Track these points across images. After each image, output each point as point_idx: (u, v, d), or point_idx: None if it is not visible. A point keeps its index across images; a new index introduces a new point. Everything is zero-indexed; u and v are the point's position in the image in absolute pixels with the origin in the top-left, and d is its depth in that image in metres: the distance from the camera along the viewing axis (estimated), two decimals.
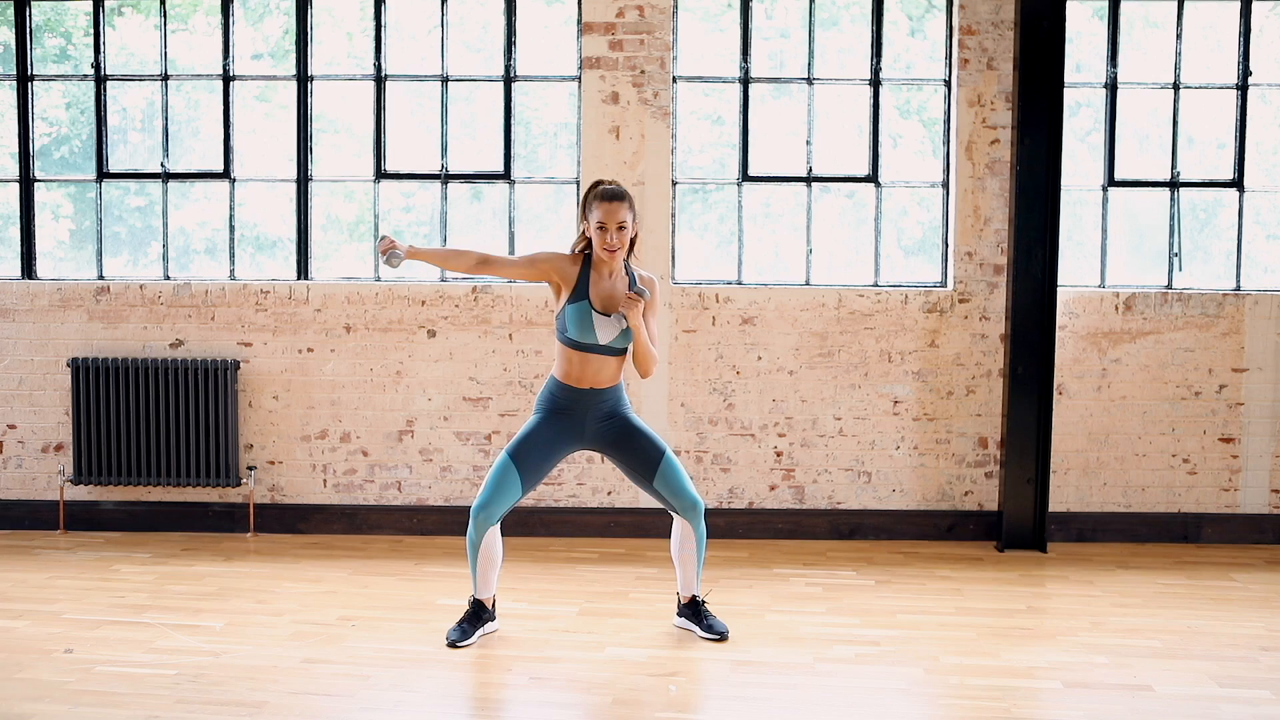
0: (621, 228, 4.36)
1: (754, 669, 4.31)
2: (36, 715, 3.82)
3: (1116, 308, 6.23)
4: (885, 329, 6.23)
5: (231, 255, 6.44)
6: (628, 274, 4.51)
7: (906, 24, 6.38)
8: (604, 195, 4.37)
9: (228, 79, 6.38)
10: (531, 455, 4.47)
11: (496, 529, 4.51)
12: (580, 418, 4.51)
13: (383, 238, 4.46)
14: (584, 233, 4.48)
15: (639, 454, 4.53)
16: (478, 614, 4.60)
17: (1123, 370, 6.25)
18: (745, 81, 6.29)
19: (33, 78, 6.45)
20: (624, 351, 4.51)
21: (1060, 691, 4.13)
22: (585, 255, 4.50)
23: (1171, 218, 6.34)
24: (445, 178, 6.37)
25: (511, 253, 6.34)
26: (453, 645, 4.51)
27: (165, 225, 6.44)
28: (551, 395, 4.55)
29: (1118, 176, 6.33)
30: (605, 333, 4.42)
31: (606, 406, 4.53)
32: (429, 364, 6.29)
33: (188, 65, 6.44)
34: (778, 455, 6.29)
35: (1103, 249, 6.34)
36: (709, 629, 4.64)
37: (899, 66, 6.36)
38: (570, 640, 4.62)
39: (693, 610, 4.71)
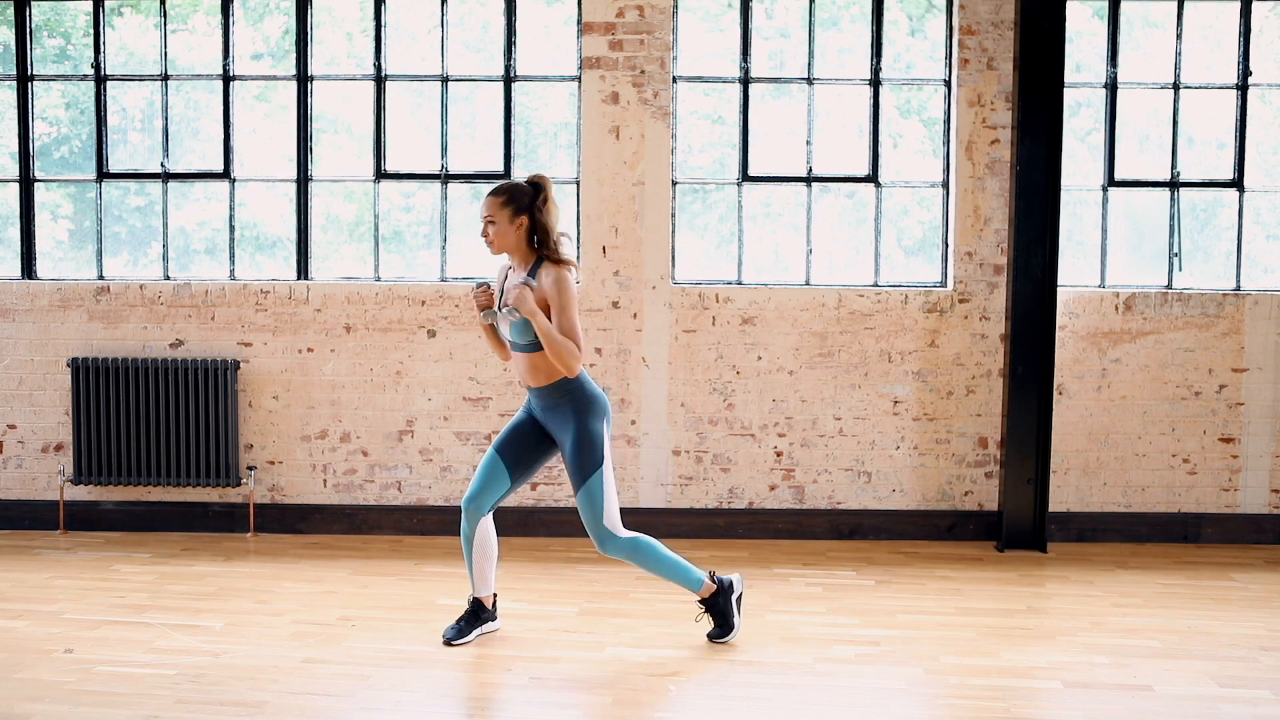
0: (491, 222, 4.41)
1: (754, 669, 4.31)
2: (36, 715, 3.82)
3: (1116, 308, 6.23)
4: (885, 329, 6.23)
5: (231, 255, 6.44)
6: (534, 269, 4.42)
7: (906, 24, 6.38)
8: (490, 189, 4.48)
9: (228, 79, 6.38)
10: (512, 447, 4.52)
11: (489, 522, 4.54)
12: (537, 413, 4.54)
13: (483, 287, 4.48)
14: None
15: (568, 467, 4.47)
16: (476, 613, 4.61)
17: (1123, 370, 6.25)
18: (745, 81, 6.29)
19: (33, 78, 6.45)
20: (530, 348, 4.39)
21: (1060, 691, 4.13)
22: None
23: (1171, 218, 6.34)
24: (445, 178, 6.37)
25: None
26: (448, 643, 4.53)
27: (165, 225, 6.44)
28: None
29: (1118, 176, 6.33)
30: (504, 328, 4.47)
31: (547, 404, 4.46)
32: (429, 364, 6.29)
33: (188, 65, 6.44)
34: (778, 455, 6.29)
35: (1103, 249, 6.34)
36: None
37: (899, 66, 6.36)
38: (570, 640, 4.62)
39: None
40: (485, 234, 4.44)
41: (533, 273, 4.40)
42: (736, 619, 4.62)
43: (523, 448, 4.53)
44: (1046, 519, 6.11)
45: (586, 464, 4.39)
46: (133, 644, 4.51)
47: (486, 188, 6.38)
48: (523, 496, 6.29)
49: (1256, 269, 6.43)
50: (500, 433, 4.61)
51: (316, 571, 5.61)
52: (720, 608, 4.61)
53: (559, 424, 4.46)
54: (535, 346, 4.38)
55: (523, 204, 4.41)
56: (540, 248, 4.43)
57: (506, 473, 4.50)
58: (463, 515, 4.52)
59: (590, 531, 4.44)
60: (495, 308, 4.48)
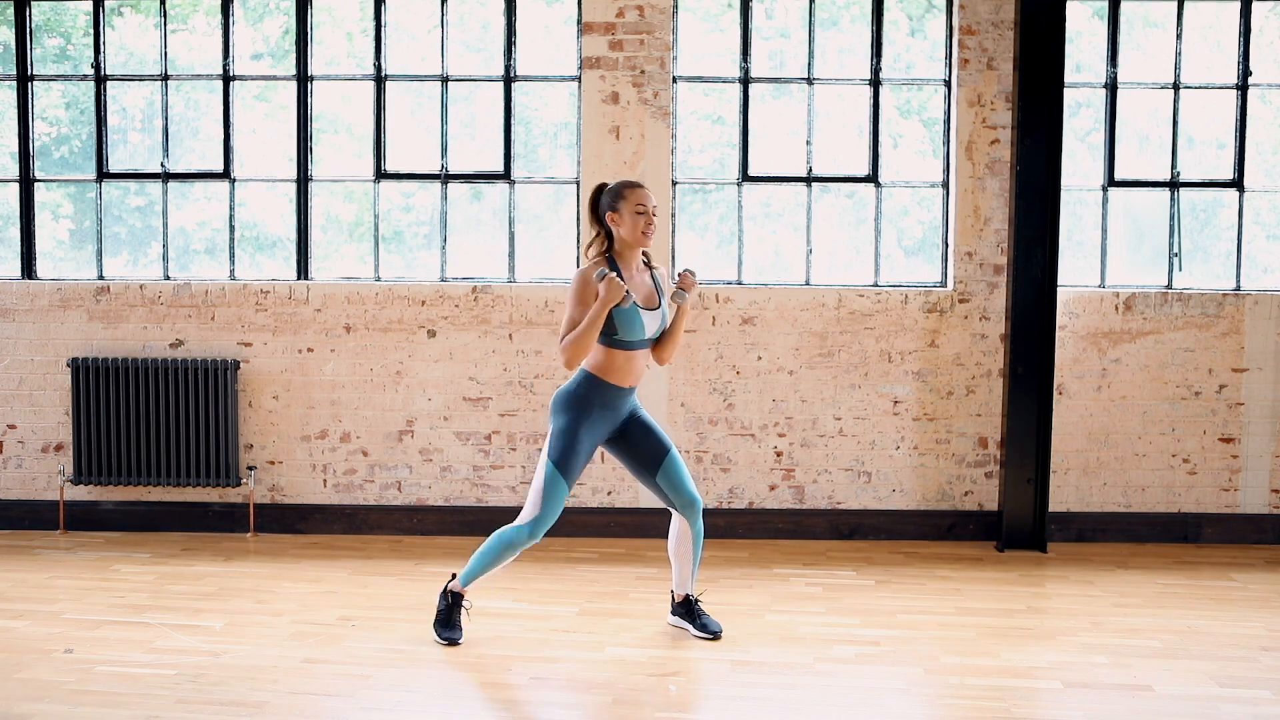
0: (656, 214, 4.45)
1: (754, 669, 4.31)
2: (36, 715, 3.82)
3: (1116, 308, 6.23)
4: (885, 329, 6.23)
5: (231, 255, 6.44)
6: (645, 262, 4.54)
7: (906, 24, 6.38)
8: (634, 183, 4.43)
9: (228, 79, 6.38)
10: (577, 462, 4.42)
11: None
12: (618, 415, 4.51)
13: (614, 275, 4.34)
14: (599, 232, 4.45)
15: (647, 447, 4.54)
16: (458, 604, 4.59)
17: (1123, 370, 6.25)
18: (745, 81, 6.29)
19: (33, 78, 6.45)
20: (650, 342, 4.52)
21: (1060, 691, 4.13)
22: (607, 258, 4.44)
23: (1171, 218, 6.34)
24: (445, 178, 6.37)
25: (512, 253, 6.35)
26: (453, 643, 4.52)
27: (165, 225, 6.44)
28: (595, 396, 4.42)
29: (1118, 176, 6.33)
30: (652, 326, 4.45)
31: (630, 400, 4.57)
32: (429, 364, 6.29)
33: (188, 65, 6.44)
34: (778, 455, 6.29)
35: (1103, 249, 6.34)
36: (703, 628, 4.65)
37: (899, 66, 6.36)
38: (570, 640, 4.62)
39: (686, 609, 4.72)
40: (653, 226, 4.42)
41: (650, 266, 4.53)
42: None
43: (583, 459, 4.47)
44: (1046, 519, 6.11)
45: (664, 444, 4.58)
46: (133, 644, 4.51)
47: (487, 187, 6.39)
48: (521, 496, 6.28)
49: (1256, 269, 6.43)
50: (557, 448, 4.38)
51: (316, 571, 5.61)
52: (694, 609, 4.73)
53: (634, 415, 4.57)
54: (654, 340, 4.52)
55: None
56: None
57: (567, 490, 4.44)
58: (523, 534, 4.39)
59: (688, 495, 4.58)
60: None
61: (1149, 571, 5.74)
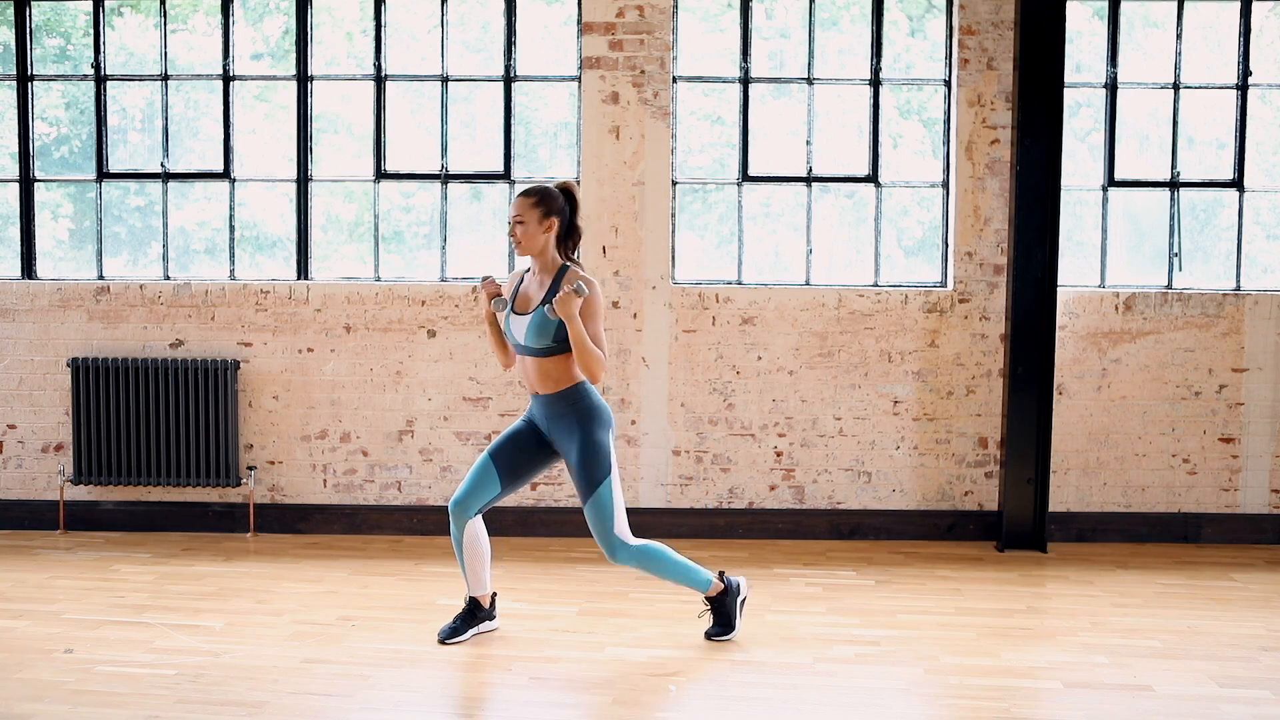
0: (520, 222, 4.37)
1: (754, 669, 4.31)
2: (36, 715, 3.82)
3: (1116, 308, 6.23)
4: (885, 329, 6.24)
5: (231, 255, 6.44)
6: (559, 276, 4.40)
7: (906, 24, 6.38)
8: (522, 190, 4.46)
9: (228, 79, 6.38)
10: (507, 454, 4.50)
11: (478, 524, 4.53)
12: (540, 422, 4.50)
13: (489, 279, 4.52)
14: None
15: (575, 477, 4.42)
16: (473, 612, 4.62)
17: (1123, 370, 6.25)
18: (745, 81, 6.29)
19: (33, 78, 6.45)
20: (544, 353, 4.34)
21: (1060, 691, 4.13)
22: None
23: (1171, 218, 6.34)
24: (445, 178, 6.37)
25: (512, 253, 6.35)
26: (443, 642, 4.53)
27: (165, 225, 6.44)
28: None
29: (1118, 176, 6.33)
30: (517, 331, 4.39)
31: (552, 413, 4.41)
32: (429, 364, 6.29)
33: (188, 65, 6.44)
34: (778, 455, 6.29)
35: (1103, 249, 6.34)
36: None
37: (899, 66, 6.36)
38: (570, 640, 4.62)
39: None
40: (513, 234, 4.41)
41: (557, 280, 4.38)
42: (738, 620, 4.64)
43: (518, 456, 4.50)
44: (1046, 519, 6.11)
45: (594, 474, 4.35)
46: (133, 644, 4.51)
47: (487, 187, 6.39)
48: (522, 496, 6.29)
49: (1256, 269, 6.43)
50: (496, 438, 4.58)
51: (316, 571, 5.61)
52: (725, 608, 4.63)
53: (563, 433, 4.41)
54: (549, 351, 4.34)
55: (554, 207, 4.40)
56: (568, 255, 4.46)
57: (497, 479, 4.48)
58: (450, 517, 4.52)
59: (600, 541, 4.40)
60: (508, 302, 4.47)
61: (1149, 571, 5.74)
